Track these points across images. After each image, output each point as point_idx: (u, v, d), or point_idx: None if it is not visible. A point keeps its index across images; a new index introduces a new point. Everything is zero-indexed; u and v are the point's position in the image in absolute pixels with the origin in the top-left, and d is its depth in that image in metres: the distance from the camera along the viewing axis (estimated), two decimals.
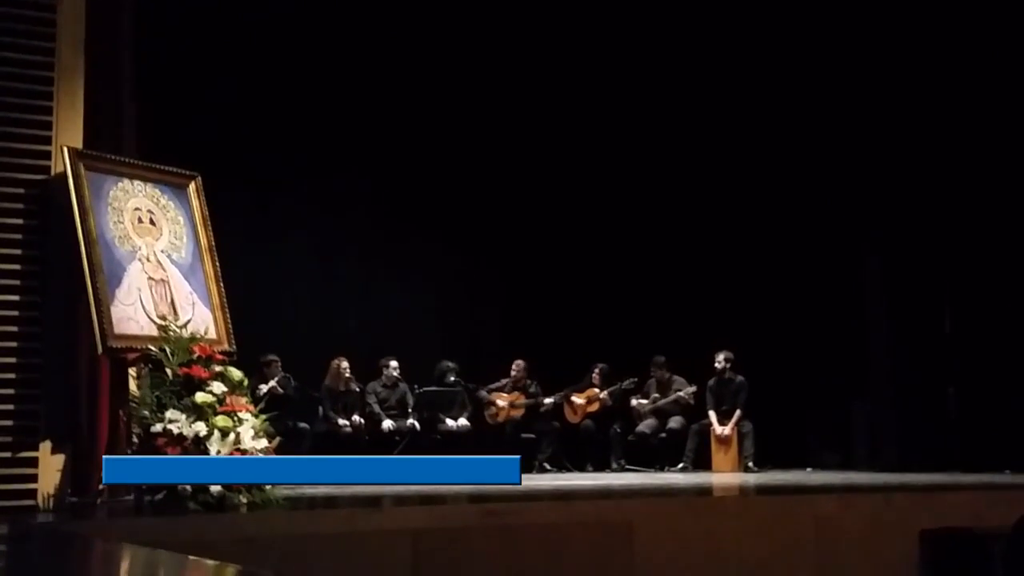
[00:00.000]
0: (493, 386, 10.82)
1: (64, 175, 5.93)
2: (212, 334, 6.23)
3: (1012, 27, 9.62)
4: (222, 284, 6.53)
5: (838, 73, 10.66)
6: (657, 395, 10.91)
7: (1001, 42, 9.72)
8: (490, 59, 11.06)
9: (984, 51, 9.82)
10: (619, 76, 11.33)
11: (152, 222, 6.31)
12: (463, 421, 10.36)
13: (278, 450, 5.77)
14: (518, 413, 10.70)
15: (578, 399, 10.95)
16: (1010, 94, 9.71)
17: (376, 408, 10.12)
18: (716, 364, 10.58)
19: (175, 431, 5.24)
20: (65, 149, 5.97)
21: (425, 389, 10.26)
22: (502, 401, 10.72)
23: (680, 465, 10.51)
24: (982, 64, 9.86)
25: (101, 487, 5.71)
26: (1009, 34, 9.67)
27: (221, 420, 5.35)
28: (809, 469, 10.28)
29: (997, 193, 9.88)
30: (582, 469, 10.56)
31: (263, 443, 5.51)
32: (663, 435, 10.75)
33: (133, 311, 5.94)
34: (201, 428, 5.27)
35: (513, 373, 10.80)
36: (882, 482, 8.21)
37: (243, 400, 5.60)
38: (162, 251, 6.29)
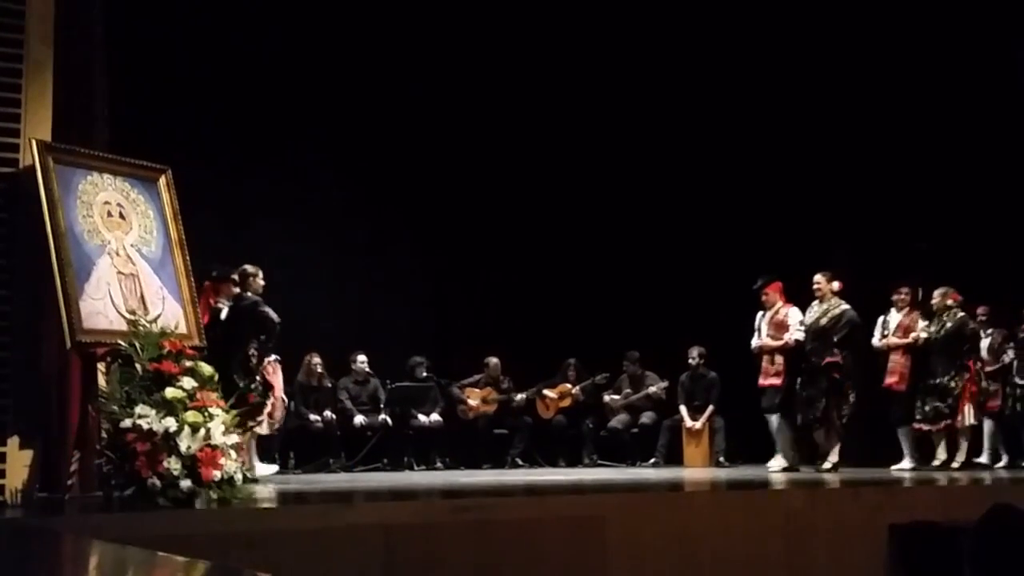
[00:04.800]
0: (466, 382, 10.82)
1: (32, 168, 5.88)
2: (182, 329, 6.19)
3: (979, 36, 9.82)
4: (192, 279, 6.49)
5: (809, 77, 10.79)
6: (629, 390, 10.96)
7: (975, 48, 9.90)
8: (465, 53, 11.05)
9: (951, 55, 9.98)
10: (596, 73, 11.36)
11: (122, 216, 6.26)
12: (435, 416, 10.35)
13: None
14: (490, 409, 10.70)
15: (550, 394, 10.97)
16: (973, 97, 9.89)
17: (347, 403, 10.09)
18: (690, 360, 10.63)
19: (144, 426, 5.19)
20: (33, 142, 5.91)
21: (397, 384, 10.25)
22: (474, 398, 10.72)
23: (652, 460, 10.56)
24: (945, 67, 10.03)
25: (70, 482, 5.66)
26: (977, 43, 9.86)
27: (191, 415, 5.31)
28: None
29: (965, 185, 10.04)
30: (554, 464, 10.58)
31: (233, 438, 5.48)
32: (635, 430, 10.79)
33: (102, 305, 5.89)
34: (171, 423, 5.24)
35: (487, 371, 10.80)
36: (851, 477, 8.28)
37: (214, 395, 5.56)
38: (132, 245, 6.24)
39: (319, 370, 9.96)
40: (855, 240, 10.85)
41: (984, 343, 9.60)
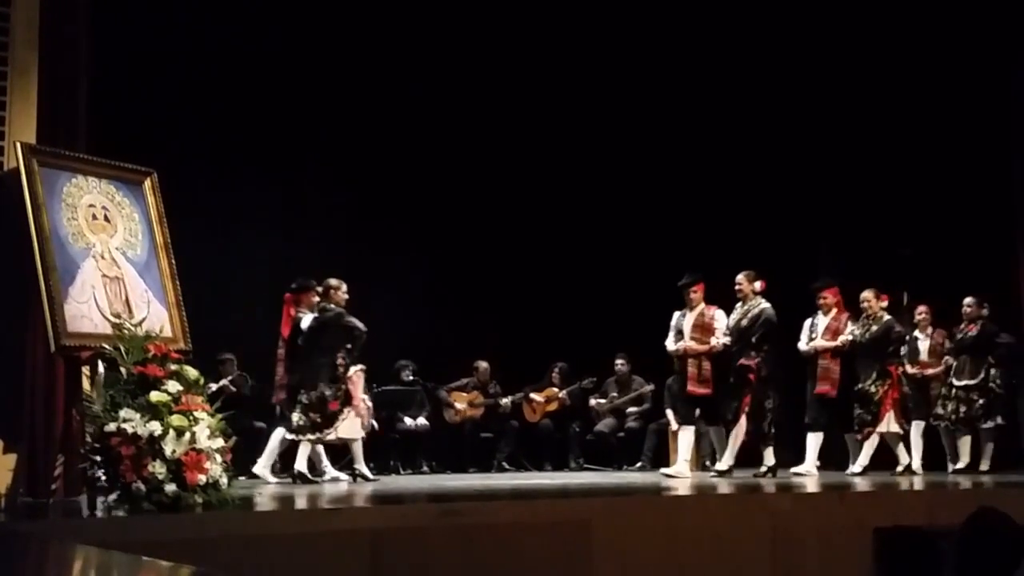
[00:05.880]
0: (452, 385, 10.81)
1: (17, 171, 5.86)
2: (168, 332, 6.18)
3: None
4: (178, 282, 6.47)
5: (794, 87, 10.86)
6: (615, 394, 10.96)
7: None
8: (451, 59, 11.05)
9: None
10: (581, 80, 11.35)
11: (107, 219, 6.24)
12: (422, 420, 10.33)
13: (234, 450, 5.72)
14: (477, 412, 10.69)
15: (537, 398, 10.97)
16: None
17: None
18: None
19: (129, 430, 5.17)
20: (18, 144, 5.89)
21: (384, 388, 10.22)
22: (460, 401, 10.71)
23: (638, 464, 10.55)
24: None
25: (54, 487, 5.64)
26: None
27: (176, 419, 5.29)
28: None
29: (949, 190, 10.09)
30: (540, 468, 10.58)
31: (219, 442, 5.46)
32: (621, 434, 10.79)
33: (87, 309, 5.87)
34: (156, 427, 5.21)
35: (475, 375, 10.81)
36: (837, 481, 8.31)
37: (199, 399, 5.54)
38: (117, 248, 6.22)
39: None
40: (839, 245, 10.88)
41: (924, 345, 9.31)
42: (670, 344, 8.74)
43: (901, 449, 8.87)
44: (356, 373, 8.42)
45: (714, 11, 11.02)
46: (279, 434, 8.36)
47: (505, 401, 10.72)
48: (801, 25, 10.79)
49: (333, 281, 8.38)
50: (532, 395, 10.96)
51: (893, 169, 10.50)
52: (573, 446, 10.77)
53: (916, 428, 9.16)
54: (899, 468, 8.78)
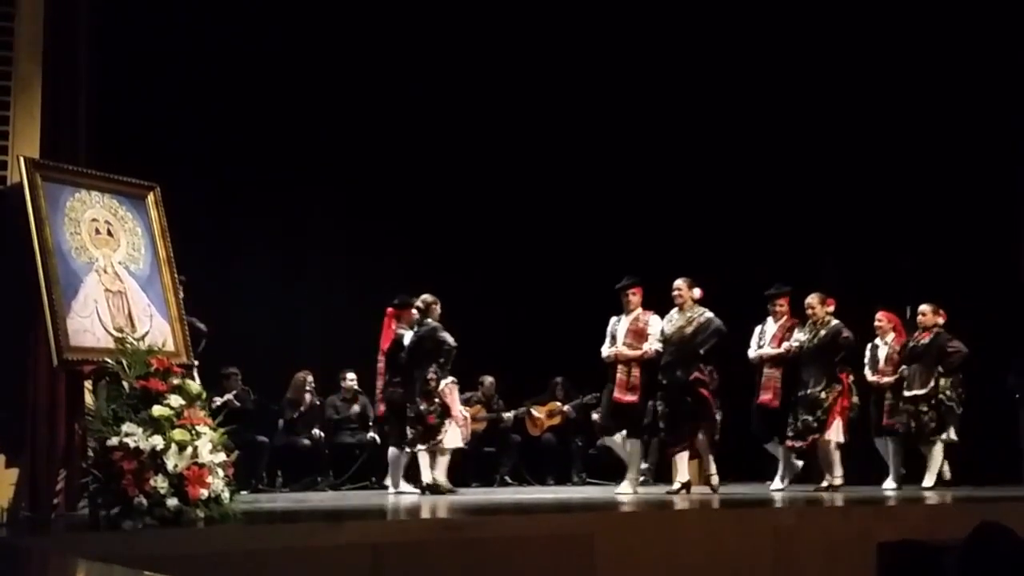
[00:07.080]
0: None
1: (20, 185, 5.87)
2: (170, 346, 6.18)
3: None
4: (180, 296, 6.48)
5: (794, 101, 10.88)
6: None
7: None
8: (457, 68, 11.09)
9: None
10: (584, 89, 11.39)
11: (110, 233, 6.25)
12: None
13: (236, 464, 5.71)
14: (479, 426, 10.68)
15: (539, 412, 10.95)
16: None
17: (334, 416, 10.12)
18: None
19: (131, 444, 5.16)
20: (21, 159, 5.91)
21: None
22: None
23: (641, 479, 10.52)
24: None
25: (56, 501, 5.63)
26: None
27: (179, 433, 5.28)
28: (769, 483, 10.33)
29: (949, 201, 10.10)
30: (543, 483, 10.56)
31: (221, 457, 5.45)
32: None
33: (90, 323, 5.88)
34: (158, 442, 5.21)
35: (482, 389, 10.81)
36: (841, 496, 8.28)
37: (201, 413, 5.53)
38: (120, 263, 6.23)
39: (309, 388, 9.95)
40: (840, 258, 10.88)
41: (883, 352, 9.12)
42: (604, 350, 8.51)
43: (837, 461, 8.63)
44: (448, 386, 8.65)
45: (716, 20, 11.05)
46: (392, 452, 8.76)
47: (508, 415, 10.72)
48: (803, 36, 10.82)
49: (429, 297, 8.71)
50: (533, 409, 10.95)
51: (895, 181, 10.50)
52: (576, 460, 10.76)
53: (889, 444, 9.06)
54: (824, 483, 8.61)
